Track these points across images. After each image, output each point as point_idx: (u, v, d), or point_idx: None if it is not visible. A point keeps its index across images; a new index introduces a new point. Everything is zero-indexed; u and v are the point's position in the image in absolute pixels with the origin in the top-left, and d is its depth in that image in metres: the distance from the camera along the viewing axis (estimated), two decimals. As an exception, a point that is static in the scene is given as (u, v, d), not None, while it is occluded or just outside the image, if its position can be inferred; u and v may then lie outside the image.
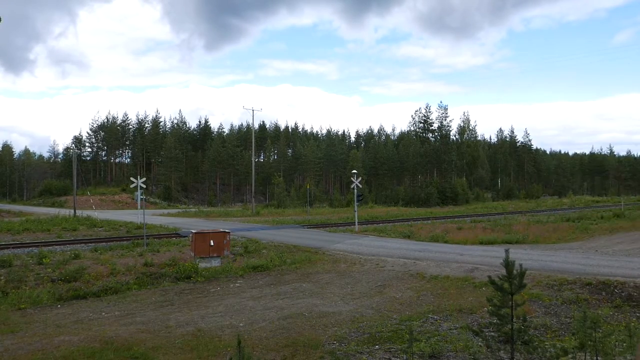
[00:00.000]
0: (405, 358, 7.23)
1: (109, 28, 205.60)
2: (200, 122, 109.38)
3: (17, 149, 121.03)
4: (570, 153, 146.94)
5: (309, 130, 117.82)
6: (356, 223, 28.74)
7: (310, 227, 30.05)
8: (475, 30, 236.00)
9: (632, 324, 8.96)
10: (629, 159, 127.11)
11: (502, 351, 6.05)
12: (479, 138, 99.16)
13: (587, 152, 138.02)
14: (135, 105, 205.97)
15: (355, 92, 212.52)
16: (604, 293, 11.10)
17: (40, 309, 11.17)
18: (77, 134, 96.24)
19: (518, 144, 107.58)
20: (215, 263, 16.06)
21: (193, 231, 17.17)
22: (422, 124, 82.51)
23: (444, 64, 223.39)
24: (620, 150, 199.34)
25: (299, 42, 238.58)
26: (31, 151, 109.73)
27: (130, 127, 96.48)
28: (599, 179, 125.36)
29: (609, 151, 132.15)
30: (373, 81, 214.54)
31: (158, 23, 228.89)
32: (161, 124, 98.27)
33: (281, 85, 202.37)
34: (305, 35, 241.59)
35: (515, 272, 5.25)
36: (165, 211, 51.48)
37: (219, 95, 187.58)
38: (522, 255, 15.66)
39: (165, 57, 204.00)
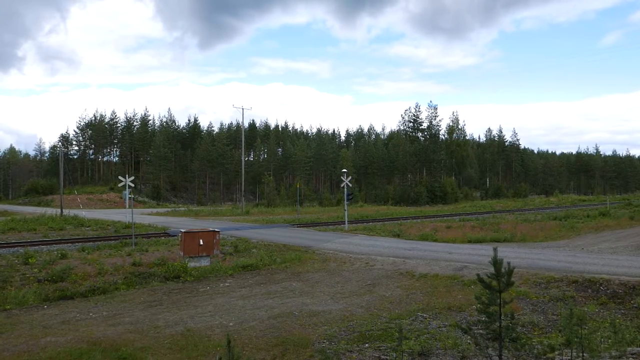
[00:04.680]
0: (394, 356, 7.26)
1: (100, 25, 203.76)
2: (189, 120, 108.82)
3: (2, 147, 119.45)
4: (558, 152, 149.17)
5: (299, 129, 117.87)
6: (346, 222, 28.79)
7: (300, 226, 30.03)
8: (467, 31, 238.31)
9: (617, 320, 9.10)
10: (615, 159, 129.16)
11: (490, 348, 6.10)
12: (467, 137, 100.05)
13: (574, 152, 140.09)
14: (125, 103, 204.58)
15: (347, 91, 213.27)
16: (590, 290, 11.26)
17: (26, 309, 11.01)
18: (64, 132, 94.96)
19: (506, 144, 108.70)
20: (204, 262, 15.96)
21: (182, 230, 17.04)
22: (411, 124, 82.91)
23: (436, 64, 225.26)
24: (606, 150, 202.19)
25: (292, 41, 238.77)
26: (17, 149, 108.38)
27: (119, 125, 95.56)
28: (585, 178, 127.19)
29: (595, 151, 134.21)
30: (365, 80, 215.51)
31: (150, 21, 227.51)
32: (150, 122, 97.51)
33: (273, 84, 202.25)
34: (298, 34, 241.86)
35: (503, 270, 5.29)
36: (154, 210, 51.05)
37: (210, 94, 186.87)
38: (510, 254, 15.81)
39: (156, 55, 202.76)
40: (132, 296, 12.23)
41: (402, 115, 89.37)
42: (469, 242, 20.89)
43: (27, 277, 13.63)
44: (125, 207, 36.59)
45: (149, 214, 42.32)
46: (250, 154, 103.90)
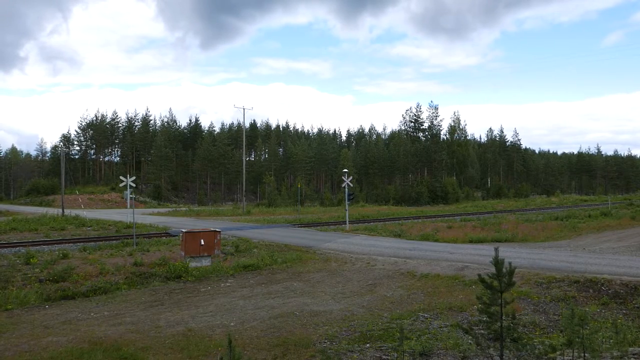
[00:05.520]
0: (395, 356, 7.26)
1: (102, 25, 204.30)
2: (190, 120, 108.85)
3: (4, 147, 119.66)
4: (559, 152, 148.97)
5: (300, 129, 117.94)
6: (347, 222, 28.78)
7: (301, 226, 30.03)
8: (469, 31, 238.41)
9: (619, 320, 9.10)
10: (616, 159, 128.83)
11: (491, 349, 6.09)
12: (469, 137, 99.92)
13: (575, 152, 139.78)
14: (126, 103, 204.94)
15: (349, 91, 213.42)
16: (591, 290, 11.24)
17: (27, 309, 11.03)
18: (65, 132, 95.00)
19: (507, 144, 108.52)
20: (205, 262, 15.98)
21: (183, 230, 17.06)
22: (412, 124, 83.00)
23: (437, 63, 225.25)
24: (608, 150, 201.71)
25: (293, 41, 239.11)
26: (18, 149, 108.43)
27: (120, 125, 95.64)
28: (587, 178, 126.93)
29: (596, 151, 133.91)
30: (366, 80, 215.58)
31: (152, 21, 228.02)
32: (151, 122, 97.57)
33: (274, 84, 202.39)
34: (300, 34, 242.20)
35: (504, 270, 5.29)
36: (155, 210, 51.11)
37: (212, 94, 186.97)
38: (511, 254, 15.80)
39: (158, 55, 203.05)
40: (133, 296, 12.25)
41: (403, 115, 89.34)
42: (470, 242, 20.87)
43: (29, 277, 13.66)
44: (126, 207, 36.63)
45: (150, 214, 42.35)
46: (252, 154, 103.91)
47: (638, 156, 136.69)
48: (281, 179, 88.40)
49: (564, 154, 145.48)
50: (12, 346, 8.17)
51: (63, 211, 38.39)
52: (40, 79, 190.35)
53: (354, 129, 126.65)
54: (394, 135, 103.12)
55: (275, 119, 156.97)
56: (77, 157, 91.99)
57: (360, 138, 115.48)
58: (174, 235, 22.97)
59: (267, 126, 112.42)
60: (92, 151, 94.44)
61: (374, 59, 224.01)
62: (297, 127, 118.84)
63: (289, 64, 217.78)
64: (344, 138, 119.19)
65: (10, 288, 12.56)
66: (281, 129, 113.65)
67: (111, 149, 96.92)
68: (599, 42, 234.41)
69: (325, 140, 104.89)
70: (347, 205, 30.06)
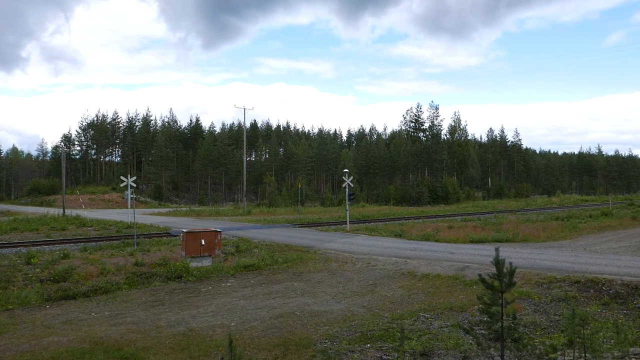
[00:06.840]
0: (396, 356, 7.26)
1: (104, 25, 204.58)
2: (191, 120, 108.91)
3: (5, 147, 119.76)
4: (560, 152, 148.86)
5: (300, 129, 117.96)
6: (347, 222, 28.78)
7: (301, 226, 30.03)
8: (470, 31, 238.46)
9: (620, 320, 9.09)
10: (617, 159, 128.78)
11: (492, 349, 6.09)
12: (469, 138, 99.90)
13: (576, 152, 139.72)
14: (127, 103, 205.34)
15: (350, 91, 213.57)
16: (592, 290, 11.23)
17: (28, 309, 11.04)
18: (66, 132, 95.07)
19: (508, 144, 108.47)
20: (206, 262, 15.98)
21: (184, 230, 17.06)
22: (413, 124, 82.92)
23: (439, 63, 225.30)
24: (609, 150, 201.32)
25: (295, 41, 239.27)
26: (19, 149, 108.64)
27: (121, 125, 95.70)
28: (588, 178, 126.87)
29: (597, 151, 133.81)
30: (368, 80, 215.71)
31: (154, 21, 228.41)
32: (152, 122, 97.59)
33: (275, 84, 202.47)
34: (301, 35, 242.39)
35: (505, 270, 5.29)
36: (156, 210, 51.14)
37: (213, 94, 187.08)
38: (512, 254, 15.79)
39: (159, 56, 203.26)
40: (134, 296, 12.25)
41: (403, 115, 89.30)
42: (471, 242, 20.86)
43: (30, 277, 13.67)
44: (127, 207, 36.66)
45: (150, 214, 42.38)
46: (252, 154, 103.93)
47: (639, 156, 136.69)
48: (282, 179, 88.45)
49: (564, 154, 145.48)
50: (13, 346, 8.18)
51: (64, 211, 38.41)
52: (42, 79, 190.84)
53: (355, 129, 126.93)
54: (394, 135, 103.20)
55: (276, 119, 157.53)
56: (78, 157, 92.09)
57: (361, 138, 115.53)
58: (175, 235, 22.98)
59: (268, 126, 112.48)
60: (93, 151, 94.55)
61: (375, 59, 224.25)
62: (297, 127, 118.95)
63: (290, 64, 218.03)
64: (344, 138, 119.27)
65: (12, 288, 12.57)
66: (282, 129, 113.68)
67: (112, 149, 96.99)
68: (601, 42, 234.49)
69: (326, 140, 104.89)
70: (347, 206, 30.07)
